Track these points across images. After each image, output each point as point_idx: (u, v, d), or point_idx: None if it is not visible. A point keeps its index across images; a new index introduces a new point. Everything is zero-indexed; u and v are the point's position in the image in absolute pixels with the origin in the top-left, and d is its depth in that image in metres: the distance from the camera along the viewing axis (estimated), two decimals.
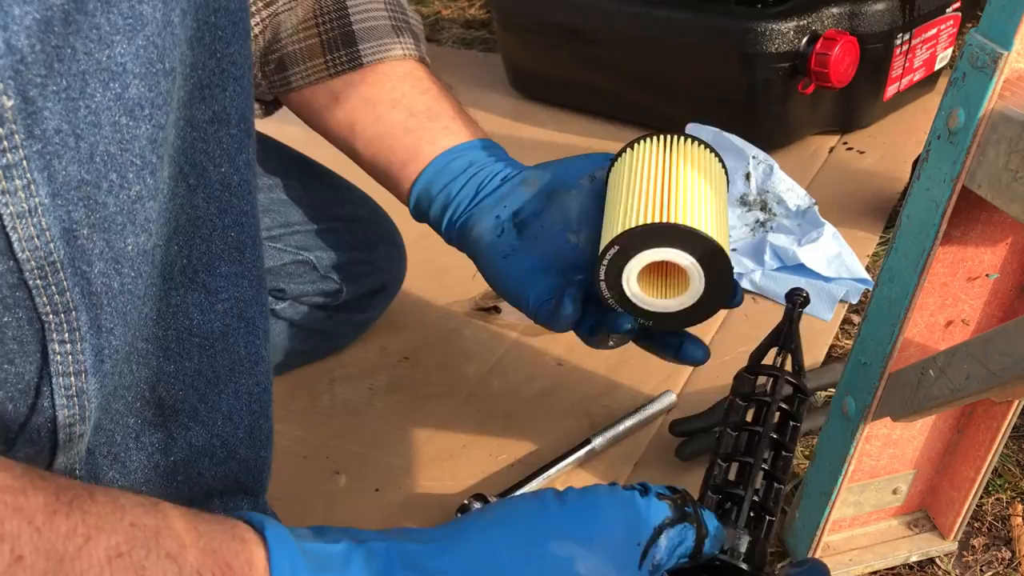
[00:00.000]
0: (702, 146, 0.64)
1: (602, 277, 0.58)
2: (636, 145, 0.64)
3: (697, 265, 0.56)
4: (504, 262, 0.65)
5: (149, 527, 0.35)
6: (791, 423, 0.50)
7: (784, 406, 0.51)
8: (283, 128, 0.83)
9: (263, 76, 0.74)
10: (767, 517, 0.47)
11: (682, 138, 0.63)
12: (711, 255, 0.56)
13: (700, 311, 0.59)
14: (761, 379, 0.54)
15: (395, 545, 0.39)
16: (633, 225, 0.56)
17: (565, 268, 0.64)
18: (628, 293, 0.58)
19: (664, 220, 0.55)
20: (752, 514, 0.46)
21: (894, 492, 0.68)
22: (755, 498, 0.47)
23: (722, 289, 0.58)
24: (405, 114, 0.71)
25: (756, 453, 0.48)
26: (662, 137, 0.64)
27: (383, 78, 0.72)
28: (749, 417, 0.53)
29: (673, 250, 0.56)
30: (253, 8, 0.72)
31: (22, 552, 0.32)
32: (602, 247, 0.57)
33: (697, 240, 0.55)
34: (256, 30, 0.72)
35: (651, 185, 0.59)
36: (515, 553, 0.39)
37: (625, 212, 0.58)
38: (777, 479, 0.48)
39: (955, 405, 0.58)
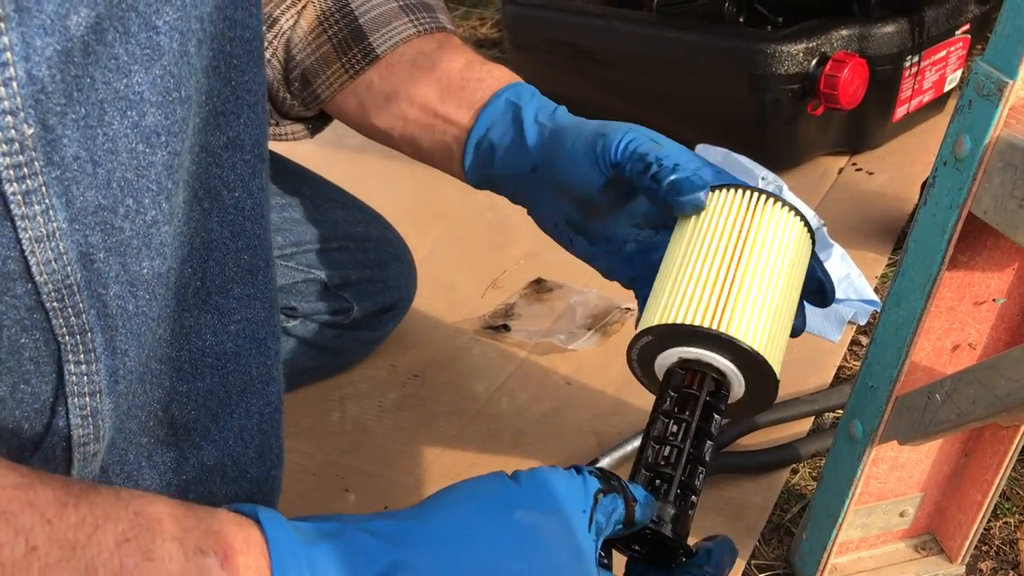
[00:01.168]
0: (790, 211, 0.56)
1: (634, 357, 0.56)
2: (714, 195, 0.57)
3: (738, 373, 0.53)
4: (593, 263, 0.68)
5: (152, 515, 0.37)
6: (715, 415, 0.53)
7: (709, 399, 0.53)
8: (295, 147, 0.83)
9: (292, 96, 0.74)
10: (691, 495, 0.50)
11: (769, 200, 0.56)
12: (756, 367, 0.52)
13: (734, 411, 0.56)
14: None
15: (378, 523, 0.43)
16: (674, 320, 0.52)
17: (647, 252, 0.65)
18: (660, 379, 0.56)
19: (710, 325, 0.51)
20: (679, 491, 0.50)
21: (901, 515, 0.68)
22: (682, 477, 0.50)
23: (763, 398, 0.55)
24: (419, 109, 0.70)
25: (684, 439, 0.51)
26: (745, 193, 0.56)
27: (396, 69, 0.71)
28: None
29: (712, 354, 0.52)
30: None
31: (36, 543, 0.34)
32: (639, 326, 0.55)
33: (741, 353, 0.52)
34: (267, 54, 0.72)
35: (712, 268, 0.53)
36: (486, 522, 0.43)
37: (671, 294, 0.54)
38: (701, 463, 0.51)
39: (962, 429, 0.58)
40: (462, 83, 0.69)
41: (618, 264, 0.66)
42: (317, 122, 0.79)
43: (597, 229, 0.65)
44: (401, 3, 0.72)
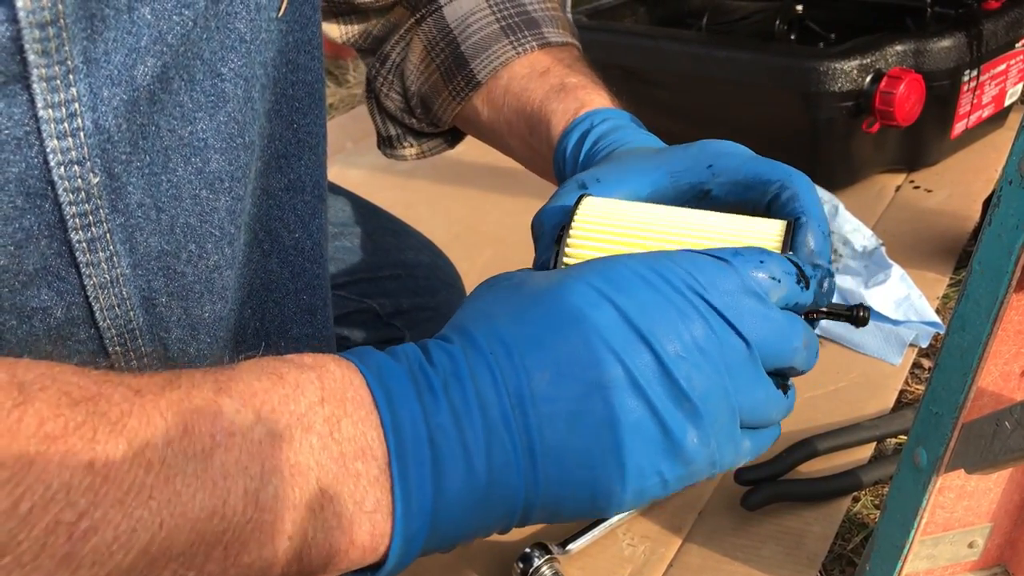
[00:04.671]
0: None
1: None
2: None
3: None
4: None
5: None
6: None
7: None
8: (346, 172, 0.84)
9: (419, 121, 0.75)
10: None
11: None
12: None
13: None
14: None
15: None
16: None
17: None
18: None
19: None
20: None
21: (970, 546, 0.66)
22: None
23: None
24: (518, 140, 0.69)
25: None
26: None
27: (494, 96, 0.70)
28: None
29: None
30: (373, 71, 0.73)
31: None
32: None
33: None
34: (385, 88, 0.73)
35: None
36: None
37: None
38: None
39: None
40: (541, 115, 0.67)
41: None
42: (451, 136, 0.80)
43: None
44: (502, 24, 0.70)
